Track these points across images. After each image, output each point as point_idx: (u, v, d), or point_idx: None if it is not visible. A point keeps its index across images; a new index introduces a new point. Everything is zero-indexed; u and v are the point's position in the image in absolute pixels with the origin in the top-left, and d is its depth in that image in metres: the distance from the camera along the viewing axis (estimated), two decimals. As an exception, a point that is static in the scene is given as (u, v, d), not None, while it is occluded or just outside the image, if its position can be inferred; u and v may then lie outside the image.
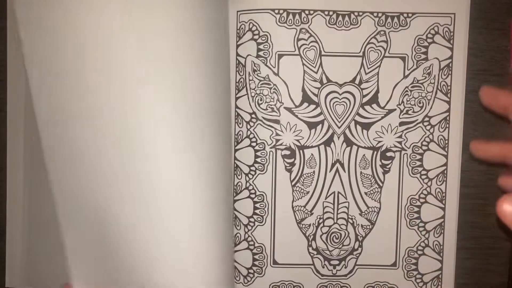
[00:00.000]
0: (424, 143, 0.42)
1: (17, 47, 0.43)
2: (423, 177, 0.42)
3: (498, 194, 0.42)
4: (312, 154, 0.42)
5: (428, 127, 0.42)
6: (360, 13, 0.41)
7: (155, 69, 0.42)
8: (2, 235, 0.44)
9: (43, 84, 0.43)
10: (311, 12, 0.41)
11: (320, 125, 0.42)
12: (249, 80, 0.42)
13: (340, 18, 0.41)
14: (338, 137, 0.42)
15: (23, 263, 0.44)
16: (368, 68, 0.41)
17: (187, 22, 0.42)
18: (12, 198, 0.44)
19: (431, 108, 0.41)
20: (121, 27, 0.42)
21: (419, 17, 0.41)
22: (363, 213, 0.43)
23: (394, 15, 0.41)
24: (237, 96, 0.42)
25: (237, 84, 0.42)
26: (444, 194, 0.42)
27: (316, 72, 0.42)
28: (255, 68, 0.42)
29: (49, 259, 0.44)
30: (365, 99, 0.42)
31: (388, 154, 0.42)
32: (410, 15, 0.41)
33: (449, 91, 0.41)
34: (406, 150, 0.42)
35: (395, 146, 0.42)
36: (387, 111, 0.42)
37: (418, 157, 0.42)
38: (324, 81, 0.42)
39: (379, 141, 0.42)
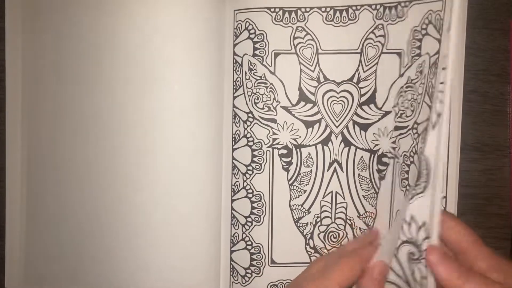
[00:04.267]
0: (411, 153, 0.37)
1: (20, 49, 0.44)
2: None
3: (498, 194, 0.42)
4: (309, 153, 0.42)
5: (415, 136, 0.37)
6: (358, 7, 0.40)
7: (152, 68, 0.42)
8: (1, 235, 0.45)
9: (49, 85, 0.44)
10: (307, 9, 0.40)
11: (317, 124, 0.41)
12: (246, 79, 0.42)
13: (337, 14, 0.40)
14: (336, 137, 0.41)
15: (23, 264, 0.44)
16: (366, 66, 0.40)
17: (185, 21, 0.42)
18: (12, 198, 0.44)
19: (419, 113, 0.36)
20: (121, 27, 0.42)
21: (415, 5, 0.39)
22: (361, 216, 0.42)
23: (392, 5, 0.40)
24: (234, 95, 0.42)
25: (234, 83, 0.42)
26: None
27: (313, 71, 0.41)
28: (251, 67, 0.41)
29: (48, 259, 0.44)
30: (363, 99, 0.41)
31: (384, 159, 0.41)
32: (407, 3, 0.39)
33: (433, 93, 0.33)
34: (398, 159, 0.39)
35: (390, 153, 0.40)
36: (383, 112, 0.41)
37: (406, 168, 0.37)
38: (321, 79, 0.41)
39: (376, 144, 0.41)
